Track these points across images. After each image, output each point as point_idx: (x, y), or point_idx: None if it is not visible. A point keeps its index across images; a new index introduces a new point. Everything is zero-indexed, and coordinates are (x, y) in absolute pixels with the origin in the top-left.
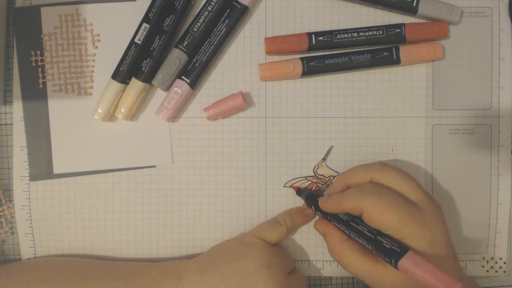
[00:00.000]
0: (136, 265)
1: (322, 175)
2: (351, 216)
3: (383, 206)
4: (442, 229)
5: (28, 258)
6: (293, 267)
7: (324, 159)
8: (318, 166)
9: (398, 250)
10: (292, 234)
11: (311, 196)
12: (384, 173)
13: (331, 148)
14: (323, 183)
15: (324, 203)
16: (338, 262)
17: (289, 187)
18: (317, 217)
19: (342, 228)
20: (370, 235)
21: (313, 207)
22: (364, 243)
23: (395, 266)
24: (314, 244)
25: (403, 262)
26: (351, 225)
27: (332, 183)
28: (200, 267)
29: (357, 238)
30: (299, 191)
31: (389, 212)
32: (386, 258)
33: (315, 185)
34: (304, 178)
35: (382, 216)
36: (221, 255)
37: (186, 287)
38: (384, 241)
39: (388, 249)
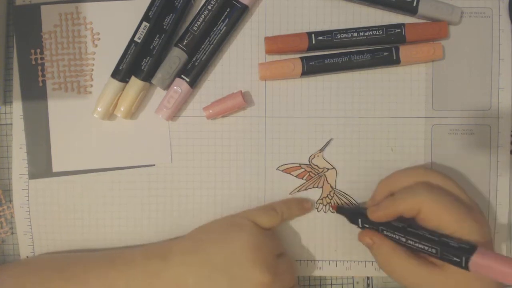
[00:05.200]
0: (120, 249)
1: (316, 165)
2: (406, 222)
3: (442, 204)
4: (488, 227)
5: (27, 256)
6: (281, 250)
7: (321, 150)
8: (315, 156)
9: (468, 247)
10: (292, 234)
11: (354, 211)
12: (430, 176)
13: (330, 140)
14: (316, 174)
15: (375, 212)
16: (389, 273)
17: (330, 208)
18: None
19: (397, 237)
20: (433, 237)
21: (359, 221)
22: (427, 247)
23: (466, 265)
24: (313, 244)
25: (476, 258)
26: (409, 231)
27: (325, 174)
28: (186, 248)
29: (417, 244)
30: (339, 209)
31: (449, 210)
32: (456, 258)
33: (308, 174)
34: (298, 165)
35: (441, 215)
36: (208, 235)
37: (171, 269)
38: (450, 241)
39: (457, 248)
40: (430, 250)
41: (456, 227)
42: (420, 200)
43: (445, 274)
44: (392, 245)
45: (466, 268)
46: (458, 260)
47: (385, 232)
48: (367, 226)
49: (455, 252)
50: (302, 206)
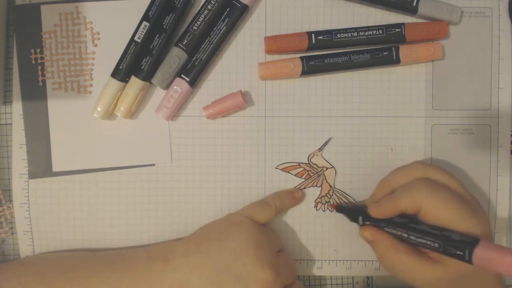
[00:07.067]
0: (123, 250)
1: (315, 164)
2: (406, 218)
3: (442, 200)
4: (487, 221)
5: (27, 256)
6: (280, 247)
7: (320, 149)
8: (314, 155)
9: (470, 240)
10: (292, 234)
11: (354, 209)
12: (429, 171)
13: (329, 139)
14: (315, 173)
15: (377, 209)
16: (389, 268)
17: (329, 207)
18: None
19: (399, 232)
20: (435, 231)
21: (360, 218)
22: (429, 242)
23: (469, 258)
24: (313, 244)
25: (479, 251)
26: (411, 226)
27: (324, 174)
28: (187, 249)
29: (419, 239)
30: (339, 208)
31: (448, 205)
32: (459, 252)
33: (307, 173)
34: (297, 163)
35: (441, 210)
36: (209, 235)
37: (173, 269)
38: (452, 235)
39: (460, 241)
40: (432, 244)
41: (457, 222)
42: (419, 197)
43: (445, 269)
44: (392, 241)
45: (469, 261)
46: (461, 253)
47: (386, 228)
48: (368, 223)
49: (458, 245)
50: (293, 196)
